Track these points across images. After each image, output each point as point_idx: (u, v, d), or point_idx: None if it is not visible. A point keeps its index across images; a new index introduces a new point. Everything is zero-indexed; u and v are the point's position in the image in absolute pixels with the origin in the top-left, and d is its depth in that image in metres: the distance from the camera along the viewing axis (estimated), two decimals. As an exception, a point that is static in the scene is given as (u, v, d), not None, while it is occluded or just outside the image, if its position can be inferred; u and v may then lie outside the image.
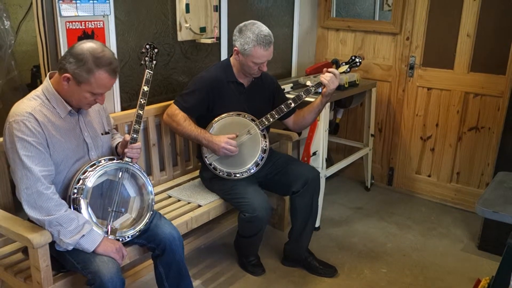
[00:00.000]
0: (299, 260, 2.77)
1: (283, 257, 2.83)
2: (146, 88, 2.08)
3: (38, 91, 1.87)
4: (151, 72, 2.11)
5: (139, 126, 2.05)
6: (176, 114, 2.51)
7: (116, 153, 2.13)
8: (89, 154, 1.98)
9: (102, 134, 2.05)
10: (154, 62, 2.15)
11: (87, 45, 1.81)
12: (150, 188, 2.07)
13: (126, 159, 2.02)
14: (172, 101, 2.61)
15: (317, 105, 2.61)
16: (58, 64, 1.84)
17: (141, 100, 2.07)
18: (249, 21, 2.48)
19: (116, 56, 2.51)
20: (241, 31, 2.45)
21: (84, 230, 1.82)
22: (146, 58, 2.13)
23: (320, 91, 2.58)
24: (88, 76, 1.79)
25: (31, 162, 1.75)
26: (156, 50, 2.16)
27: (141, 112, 2.06)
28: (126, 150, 2.02)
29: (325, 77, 2.49)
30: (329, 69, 2.52)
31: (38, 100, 1.84)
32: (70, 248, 1.80)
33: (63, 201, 1.83)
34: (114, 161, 2.00)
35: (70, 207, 1.86)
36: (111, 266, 1.81)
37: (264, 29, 2.45)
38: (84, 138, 1.95)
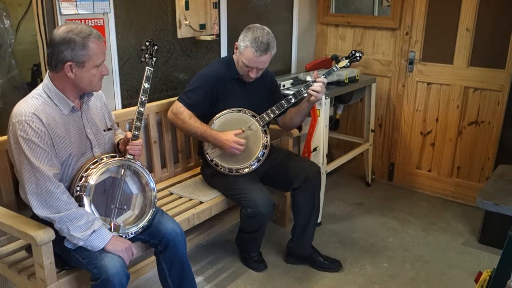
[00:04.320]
0: (303, 257, 2.77)
1: (286, 255, 2.83)
2: (146, 85, 2.08)
3: (39, 89, 1.86)
4: (151, 69, 2.11)
5: (140, 123, 2.05)
6: (181, 111, 2.50)
7: (118, 150, 2.13)
8: (92, 151, 1.98)
9: (104, 130, 2.05)
10: (154, 59, 2.13)
11: (61, 30, 1.79)
12: (152, 184, 2.08)
13: (128, 156, 2.02)
14: (173, 98, 2.61)
15: (304, 108, 2.59)
16: (50, 64, 1.81)
17: (142, 97, 2.06)
18: (261, 26, 2.47)
19: (116, 54, 2.54)
20: (248, 29, 2.45)
21: (94, 225, 1.83)
22: (146, 55, 2.12)
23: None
24: (86, 51, 1.78)
25: (39, 162, 1.75)
26: (156, 47, 2.15)
27: (142, 109, 2.05)
28: (127, 147, 2.02)
29: (315, 88, 2.45)
30: (318, 79, 2.47)
31: (40, 99, 1.82)
32: (81, 243, 1.81)
33: (73, 199, 1.84)
34: (116, 159, 2.00)
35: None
36: (117, 261, 1.82)
37: (266, 37, 2.41)
38: (87, 134, 1.95)
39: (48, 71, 1.88)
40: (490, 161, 3.36)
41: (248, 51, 2.41)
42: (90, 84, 1.87)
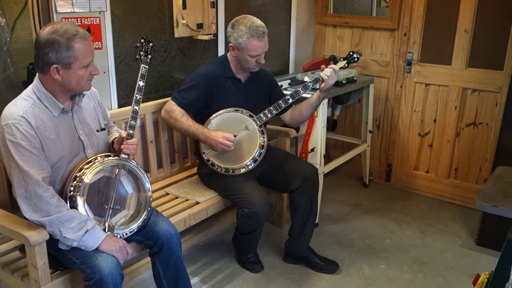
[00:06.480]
0: (300, 257, 2.76)
1: (285, 254, 2.82)
2: (141, 83, 2.04)
3: (28, 90, 1.83)
4: (147, 66, 2.08)
5: (135, 122, 2.02)
6: (174, 110, 2.50)
7: (113, 149, 2.10)
8: (85, 152, 1.95)
9: (97, 131, 2.01)
10: (149, 56, 2.10)
11: (46, 31, 1.74)
12: (147, 185, 2.06)
13: (123, 155, 1.99)
14: (169, 98, 2.59)
15: (315, 100, 2.61)
16: (37, 66, 1.78)
17: (137, 95, 2.03)
18: (241, 16, 2.49)
19: (112, 52, 2.52)
20: (234, 26, 2.45)
21: (87, 226, 1.81)
22: (141, 53, 2.08)
23: (318, 87, 2.58)
24: (71, 52, 1.74)
25: (28, 165, 1.72)
26: (151, 44, 2.11)
27: (137, 107, 2.02)
28: (122, 146, 1.99)
29: (326, 72, 2.49)
30: (329, 66, 2.52)
31: (30, 101, 1.79)
32: (75, 244, 1.79)
33: (63, 202, 1.81)
34: (111, 158, 1.98)
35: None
36: (111, 261, 1.81)
37: (256, 20, 2.45)
38: (79, 136, 1.92)
39: (37, 73, 1.85)
40: (488, 162, 3.35)
41: (251, 42, 2.41)
42: (79, 84, 1.83)
